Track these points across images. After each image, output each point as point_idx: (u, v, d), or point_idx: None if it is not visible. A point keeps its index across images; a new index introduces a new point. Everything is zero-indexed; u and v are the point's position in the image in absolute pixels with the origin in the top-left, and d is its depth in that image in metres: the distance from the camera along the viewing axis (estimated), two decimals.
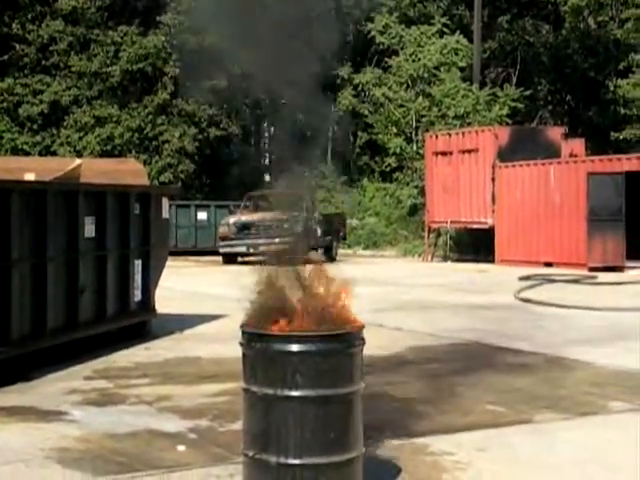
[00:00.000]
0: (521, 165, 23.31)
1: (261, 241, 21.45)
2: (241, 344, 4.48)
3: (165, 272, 10.88)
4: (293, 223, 4.76)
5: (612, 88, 36.03)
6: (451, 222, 25.42)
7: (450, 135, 26.40)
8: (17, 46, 33.84)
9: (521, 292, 15.10)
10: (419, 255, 27.43)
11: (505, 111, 31.66)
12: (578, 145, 25.06)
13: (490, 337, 10.16)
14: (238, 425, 4.56)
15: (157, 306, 10.53)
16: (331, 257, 23.85)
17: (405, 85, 33.99)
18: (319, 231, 22.55)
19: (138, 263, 10.02)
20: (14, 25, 33.95)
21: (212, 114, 34.65)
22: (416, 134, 33.08)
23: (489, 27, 38.28)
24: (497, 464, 5.26)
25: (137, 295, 10.03)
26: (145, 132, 33.98)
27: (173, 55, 34.22)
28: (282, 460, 4.26)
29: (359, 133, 37.43)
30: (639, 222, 20.94)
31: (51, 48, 34.12)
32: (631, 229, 20.75)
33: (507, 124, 29.91)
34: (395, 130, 34.00)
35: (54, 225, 8.32)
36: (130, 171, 11.41)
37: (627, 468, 5.17)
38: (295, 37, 4.68)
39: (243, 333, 4.46)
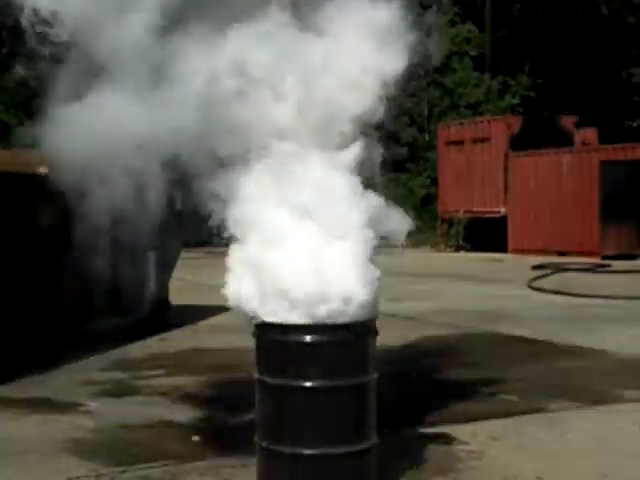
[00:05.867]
0: (533, 154, 23.24)
1: None
2: (254, 335, 4.49)
3: (178, 263, 10.91)
4: None
5: (625, 76, 35.83)
6: (464, 212, 25.38)
7: (462, 124, 26.33)
8: None
9: (534, 281, 15.08)
10: (432, 245, 27.39)
11: (517, 100, 31.54)
12: (591, 134, 24.95)
13: (504, 326, 10.15)
14: (252, 415, 4.58)
15: (171, 297, 10.57)
16: None
17: (417, 75, 33.90)
18: None
19: (152, 255, 10.03)
20: None
21: None
22: (428, 124, 33.01)
23: (501, 16, 38.12)
24: (511, 453, 5.26)
25: (151, 287, 10.06)
26: None
27: None
28: (296, 450, 4.27)
29: None
30: None
31: None
32: None
33: (519, 113, 29.81)
34: (407, 120, 33.93)
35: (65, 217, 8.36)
36: None
37: (637, 456, 5.18)
38: None
39: (256, 324, 4.48)
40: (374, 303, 4.40)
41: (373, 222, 4.45)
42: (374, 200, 4.54)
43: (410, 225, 4.63)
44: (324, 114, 4.50)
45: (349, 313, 4.27)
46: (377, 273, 4.42)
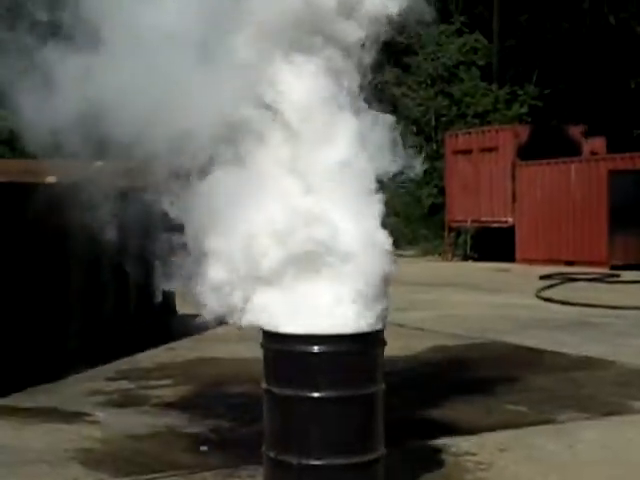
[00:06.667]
0: (541, 164, 23.21)
1: None
2: (262, 345, 4.48)
3: None
4: None
5: (633, 85, 35.80)
6: (471, 221, 25.34)
7: (470, 134, 26.32)
8: None
9: (542, 291, 15.03)
10: (439, 255, 27.35)
11: (525, 109, 31.52)
12: (599, 143, 24.90)
13: (511, 336, 10.11)
14: (259, 426, 4.56)
15: (178, 306, 10.55)
16: None
17: (424, 84, 33.92)
18: None
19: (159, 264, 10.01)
20: None
21: None
22: (435, 133, 33.00)
23: (508, 26, 38.15)
24: (520, 464, 5.23)
25: (158, 296, 10.05)
26: None
27: None
28: (303, 461, 4.25)
29: None
30: None
31: None
32: None
33: (527, 122, 29.78)
34: (415, 129, 33.93)
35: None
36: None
37: None
38: None
39: (264, 333, 4.46)
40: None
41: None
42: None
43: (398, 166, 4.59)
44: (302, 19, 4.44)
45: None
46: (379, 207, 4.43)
